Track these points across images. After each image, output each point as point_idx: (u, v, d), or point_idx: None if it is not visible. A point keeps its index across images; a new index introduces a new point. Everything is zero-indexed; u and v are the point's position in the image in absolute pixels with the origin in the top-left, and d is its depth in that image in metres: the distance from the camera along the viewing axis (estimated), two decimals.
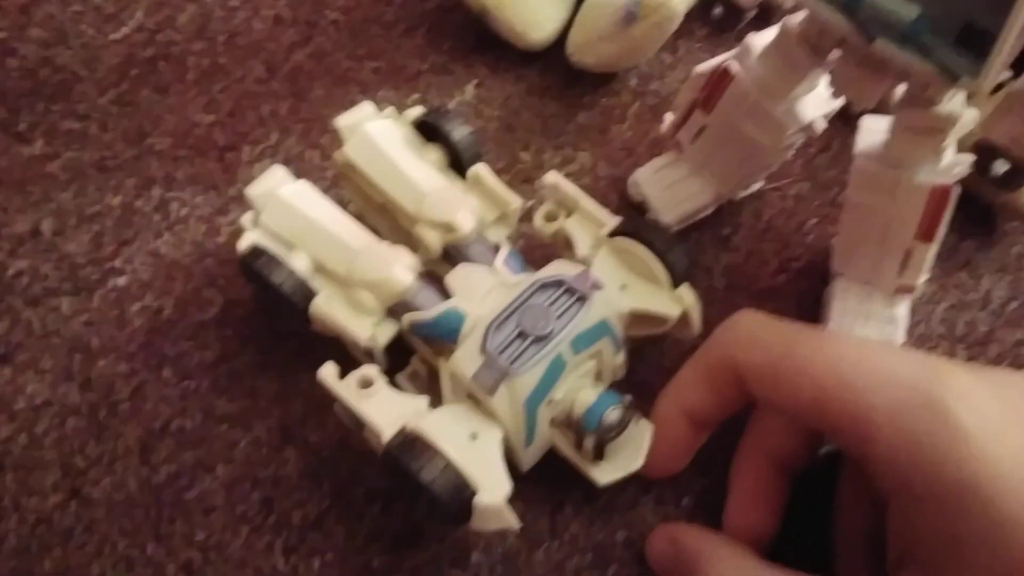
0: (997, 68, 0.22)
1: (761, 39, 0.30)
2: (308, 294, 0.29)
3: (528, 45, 0.39)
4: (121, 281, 0.34)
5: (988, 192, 0.35)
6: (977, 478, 0.22)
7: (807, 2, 0.24)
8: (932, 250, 0.30)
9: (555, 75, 0.40)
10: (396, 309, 0.29)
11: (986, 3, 0.22)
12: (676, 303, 0.29)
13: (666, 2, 0.35)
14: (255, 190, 0.31)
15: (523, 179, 0.37)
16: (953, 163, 0.28)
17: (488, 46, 0.40)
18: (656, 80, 0.40)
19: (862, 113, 0.29)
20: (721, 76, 0.31)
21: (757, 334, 0.27)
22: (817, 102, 0.31)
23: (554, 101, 0.40)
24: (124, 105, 0.39)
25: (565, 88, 0.40)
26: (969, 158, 0.27)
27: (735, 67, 0.31)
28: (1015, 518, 0.21)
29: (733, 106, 0.31)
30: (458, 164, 0.32)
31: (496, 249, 0.30)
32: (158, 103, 0.39)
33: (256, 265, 0.29)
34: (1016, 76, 0.24)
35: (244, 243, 0.30)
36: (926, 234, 0.30)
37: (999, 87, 0.25)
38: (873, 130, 0.29)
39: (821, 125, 0.31)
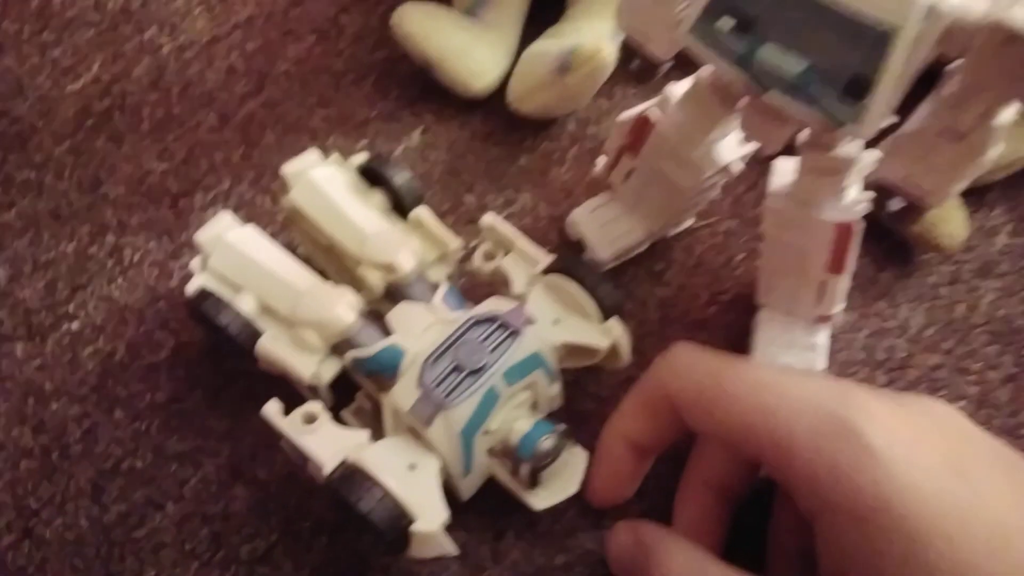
0: (877, 114, 0.25)
1: (679, 88, 0.33)
2: (254, 334, 0.30)
3: (471, 93, 0.41)
4: (74, 326, 0.35)
5: (892, 227, 0.37)
6: (889, 496, 0.23)
7: (709, 57, 0.26)
8: (844, 281, 0.32)
9: (497, 121, 0.42)
10: (340, 347, 0.30)
11: (867, 56, 0.24)
12: (605, 336, 0.31)
13: (596, 54, 0.38)
14: (204, 235, 0.32)
15: (467, 220, 0.39)
16: (855, 201, 0.30)
17: (433, 94, 0.42)
18: (593, 124, 0.42)
19: (774, 155, 0.32)
20: (643, 123, 0.33)
21: (689, 366, 0.28)
22: (733, 146, 0.33)
23: (497, 146, 0.41)
24: (79, 154, 0.40)
25: (507, 133, 0.42)
26: (869, 195, 0.29)
27: (655, 114, 0.33)
28: (926, 532, 0.23)
29: (655, 150, 0.33)
30: (400, 207, 0.34)
31: (436, 287, 0.32)
32: (113, 152, 0.40)
33: (203, 307, 0.30)
34: (902, 121, 0.27)
35: (192, 286, 0.31)
36: (836, 267, 0.32)
37: (890, 130, 0.27)
38: (783, 171, 0.32)
39: (738, 167, 0.34)
